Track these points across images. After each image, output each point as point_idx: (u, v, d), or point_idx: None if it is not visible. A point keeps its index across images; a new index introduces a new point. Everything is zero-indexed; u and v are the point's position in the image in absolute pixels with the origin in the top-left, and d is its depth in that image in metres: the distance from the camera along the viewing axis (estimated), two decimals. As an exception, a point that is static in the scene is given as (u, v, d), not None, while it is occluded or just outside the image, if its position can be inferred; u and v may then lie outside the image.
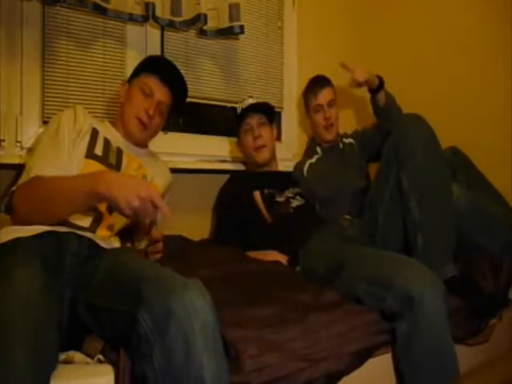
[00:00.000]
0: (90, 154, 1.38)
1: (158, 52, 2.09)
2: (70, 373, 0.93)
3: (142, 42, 2.06)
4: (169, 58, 1.74)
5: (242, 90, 2.38)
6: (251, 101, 2.05)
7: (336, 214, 1.97)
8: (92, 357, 0.98)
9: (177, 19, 1.98)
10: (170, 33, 2.13)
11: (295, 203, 1.90)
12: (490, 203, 1.76)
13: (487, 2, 2.25)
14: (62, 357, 0.98)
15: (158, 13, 1.92)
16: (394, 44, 2.62)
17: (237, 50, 2.36)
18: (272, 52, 2.51)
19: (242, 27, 2.07)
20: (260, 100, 2.09)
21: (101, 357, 0.98)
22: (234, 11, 2.07)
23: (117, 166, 1.43)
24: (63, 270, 1.12)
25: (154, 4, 1.88)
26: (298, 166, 2.16)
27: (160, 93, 1.55)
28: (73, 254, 1.15)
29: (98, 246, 1.20)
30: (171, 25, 1.98)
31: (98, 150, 1.41)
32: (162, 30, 2.10)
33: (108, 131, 1.52)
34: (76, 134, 1.39)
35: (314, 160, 2.16)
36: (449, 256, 1.51)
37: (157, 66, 1.57)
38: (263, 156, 2.02)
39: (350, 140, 2.25)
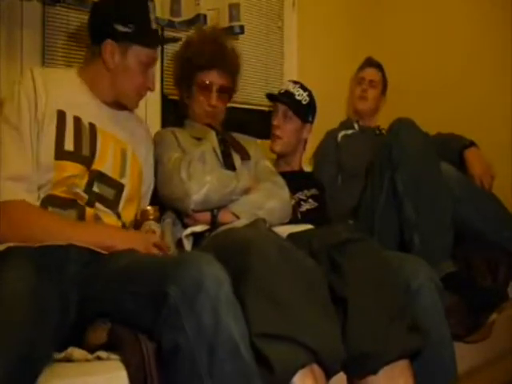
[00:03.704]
0: (59, 154, 1.24)
1: (157, 52, 2.09)
2: (69, 371, 0.93)
3: (142, 42, 2.06)
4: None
5: (242, 89, 2.36)
6: (291, 87, 1.96)
7: (355, 193, 1.93)
8: (92, 350, 0.98)
9: (176, 19, 1.98)
10: (170, 33, 2.13)
11: (305, 207, 1.84)
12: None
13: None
14: (61, 354, 0.98)
15: (158, 13, 1.91)
16: (394, 44, 2.63)
17: (237, 50, 2.36)
18: (272, 52, 2.51)
19: (242, 27, 2.08)
20: (298, 93, 1.94)
21: (101, 353, 0.98)
22: (234, 11, 2.07)
23: (91, 156, 1.29)
24: (65, 274, 1.11)
25: (153, 4, 1.88)
26: (331, 133, 2.20)
27: (155, 61, 1.46)
28: (75, 260, 1.14)
29: (98, 253, 1.17)
30: (171, 25, 1.98)
31: (69, 143, 1.25)
32: (162, 29, 2.10)
33: (75, 98, 1.33)
34: (39, 125, 1.23)
35: (349, 132, 2.20)
36: (446, 253, 1.53)
37: (152, 39, 1.44)
38: (274, 147, 1.94)
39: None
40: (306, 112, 1.95)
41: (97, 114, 1.36)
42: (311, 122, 1.99)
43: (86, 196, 1.25)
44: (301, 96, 1.93)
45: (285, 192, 1.64)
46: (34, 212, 1.18)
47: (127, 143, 1.40)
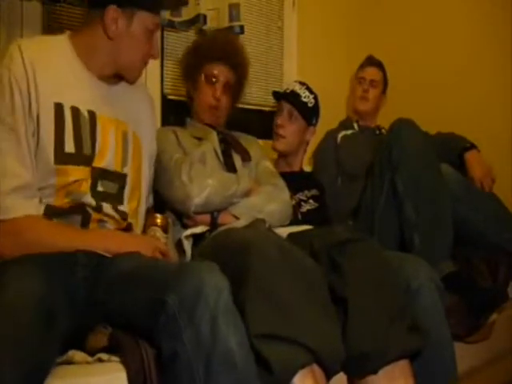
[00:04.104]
0: (60, 158, 1.14)
1: (158, 51, 2.09)
2: (71, 372, 0.93)
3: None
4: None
5: (242, 89, 2.37)
6: (297, 88, 1.97)
7: (354, 193, 1.94)
8: (93, 354, 0.98)
9: (176, 19, 1.99)
10: (170, 33, 2.13)
11: (306, 207, 1.85)
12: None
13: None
14: (63, 358, 0.97)
15: (158, 13, 1.92)
16: (394, 43, 2.62)
17: (237, 50, 2.36)
18: (272, 52, 2.51)
19: (242, 27, 2.08)
20: (305, 95, 1.95)
21: (102, 355, 0.98)
22: (234, 11, 2.08)
23: (92, 153, 1.20)
24: (73, 279, 1.09)
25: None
26: (331, 134, 2.19)
27: (159, 27, 1.36)
28: (83, 265, 1.12)
29: (104, 256, 1.16)
30: (171, 25, 1.99)
31: (69, 144, 1.16)
32: (162, 29, 2.10)
33: (70, 79, 1.20)
34: (34, 123, 1.12)
35: (348, 133, 2.19)
36: (446, 253, 1.54)
37: (159, 3, 1.34)
38: (277, 146, 1.94)
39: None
40: (310, 114, 1.96)
41: (95, 95, 1.24)
42: (314, 125, 2.00)
43: (93, 202, 1.19)
44: (307, 98, 1.94)
45: (285, 195, 1.64)
46: (41, 230, 1.11)
47: (127, 122, 1.31)
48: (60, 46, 1.24)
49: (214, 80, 1.70)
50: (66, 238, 1.13)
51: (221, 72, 1.71)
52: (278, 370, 0.96)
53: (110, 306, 1.05)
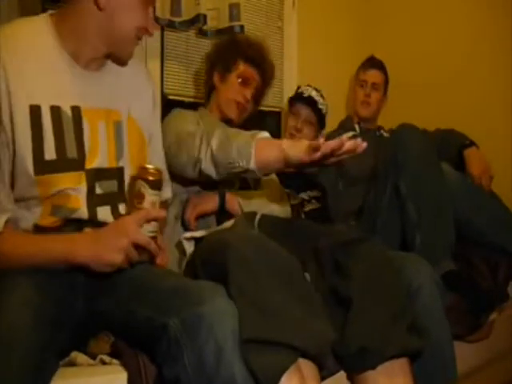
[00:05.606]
0: (40, 167, 1.01)
1: (158, 52, 2.09)
2: (72, 373, 0.94)
3: (142, 41, 2.05)
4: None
5: (242, 89, 2.37)
6: (314, 94, 2.01)
7: (357, 196, 1.95)
8: (95, 357, 0.98)
9: (176, 19, 1.99)
10: (170, 33, 2.13)
11: (309, 207, 1.88)
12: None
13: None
14: (65, 360, 0.98)
15: (158, 13, 1.93)
16: (395, 43, 2.63)
17: (237, 50, 2.36)
18: (272, 52, 2.50)
19: (242, 27, 2.08)
20: (320, 102, 2.02)
21: (104, 357, 0.98)
22: (234, 11, 2.08)
23: (80, 155, 1.07)
24: (72, 285, 1.05)
25: (154, 4, 1.89)
26: (331, 137, 2.19)
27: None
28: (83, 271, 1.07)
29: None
30: (171, 25, 1.99)
31: (50, 150, 1.03)
32: (162, 30, 2.11)
33: (51, 75, 1.06)
34: (7, 133, 1.00)
35: (350, 135, 2.18)
36: (447, 252, 1.55)
37: None
38: None
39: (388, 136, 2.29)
40: (323, 121, 2.03)
41: (80, 88, 1.10)
42: (322, 130, 2.06)
43: (86, 214, 1.08)
44: (322, 105, 2.02)
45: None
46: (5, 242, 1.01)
47: (119, 109, 1.16)
48: (41, 32, 1.08)
49: (247, 81, 1.71)
50: (30, 260, 1.00)
51: (256, 77, 1.73)
52: (264, 379, 0.92)
53: (110, 319, 1.03)
